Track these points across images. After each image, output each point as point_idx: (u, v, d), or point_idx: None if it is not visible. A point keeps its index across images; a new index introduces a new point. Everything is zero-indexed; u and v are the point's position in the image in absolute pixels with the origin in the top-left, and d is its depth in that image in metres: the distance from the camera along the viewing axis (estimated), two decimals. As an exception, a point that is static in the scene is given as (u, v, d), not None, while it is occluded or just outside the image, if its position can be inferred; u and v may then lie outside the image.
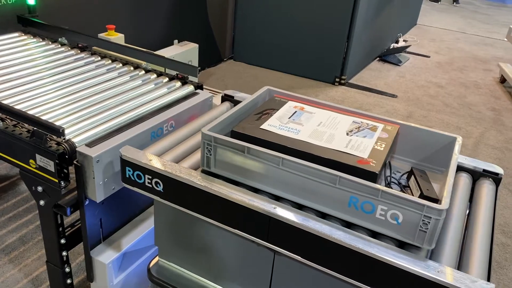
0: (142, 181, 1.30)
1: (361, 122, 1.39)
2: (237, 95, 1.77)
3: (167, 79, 1.90)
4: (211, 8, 4.21)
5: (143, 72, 1.96)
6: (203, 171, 1.28)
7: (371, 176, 1.12)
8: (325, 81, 4.36)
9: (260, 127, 1.31)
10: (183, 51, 2.99)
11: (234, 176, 1.24)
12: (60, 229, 1.53)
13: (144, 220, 1.74)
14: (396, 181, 1.32)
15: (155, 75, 1.93)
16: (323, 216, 1.15)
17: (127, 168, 1.31)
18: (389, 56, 5.15)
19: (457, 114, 3.90)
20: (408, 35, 6.28)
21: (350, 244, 1.02)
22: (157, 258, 1.52)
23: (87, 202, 1.45)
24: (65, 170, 1.38)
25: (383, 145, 1.26)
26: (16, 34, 2.24)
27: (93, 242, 1.57)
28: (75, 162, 1.36)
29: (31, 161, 1.41)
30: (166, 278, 1.46)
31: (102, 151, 1.35)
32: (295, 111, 1.43)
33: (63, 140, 1.37)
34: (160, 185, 1.27)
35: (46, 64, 1.93)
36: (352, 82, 4.39)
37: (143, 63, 1.99)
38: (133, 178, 1.32)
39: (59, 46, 2.15)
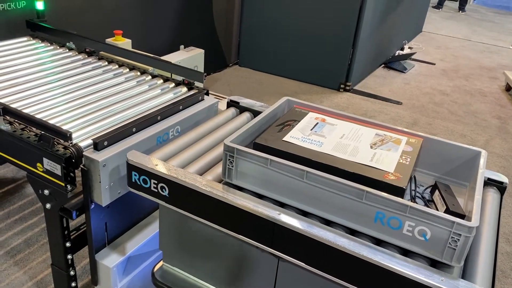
0: (148, 185, 1.31)
1: (384, 134, 1.37)
2: (243, 101, 1.77)
3: (173, 84, 1.92)
4: (217, 14, 4.23)
5: (149, 77, 1.98)
6: (225, 183, 1.27)
7: (398, 191, 1.10)
8: (330, 87, 4.37)
9: (283, 139, 1.29)
10: (189, 57, 3.01)
11: (257, 189, 1.22)
12: (66, 232, 1.54)
13: (148, 225, 1.74)
14: (419, 195, 1.29)
15: (161, 81, 1.95)
16: (351, 232, 1.12)
17: (133, 173, 1.32)
18: (394, 63, 5.16)
19: (462, 122, 3.89)
20: (414, 42, 6.28)
21: (354, 251, 1.01)
22: (161, 263, 1.52)
23: (92, 206, 1.46)
24: (72, 174, 1.39)
25: (408, 159, 1.24)
26: (25, 39, 2.26)
27: (98, 245, 1.58)
28: (81, 166, 1.38)
29: (38, 164, 1.43)
30: (170, 283, 1.46)
31: (109, 156, 1.36)
32: (317, 123, 1.42)
33: (70, 144, 1.38)
34: (165, 190, 1.27)
35: (54, 68, 1.95)
36: (357, 89, 4.39)
37: (150, 69, 2.01)
38: (139, 183, 1.32)
39: (67, 50, 2.18)
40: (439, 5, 8.97)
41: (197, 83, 1.91)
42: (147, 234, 1.70)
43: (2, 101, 1.58)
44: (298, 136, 1.32)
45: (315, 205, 1.15)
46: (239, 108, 1.77)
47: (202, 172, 1.37)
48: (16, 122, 1.51)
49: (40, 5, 2.37)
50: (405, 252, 1.07)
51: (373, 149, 1.28)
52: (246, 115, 1.73)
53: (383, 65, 5.18)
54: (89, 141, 1.42)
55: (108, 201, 1.42)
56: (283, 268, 1.23)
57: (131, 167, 1.32)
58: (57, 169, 1.37)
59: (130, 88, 1.84)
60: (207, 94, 1.83)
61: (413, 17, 6.15)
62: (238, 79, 4.38)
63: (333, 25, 4.15)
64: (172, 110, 1.63)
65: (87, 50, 2.16)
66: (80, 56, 2.12)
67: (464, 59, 5.75)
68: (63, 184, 1.39)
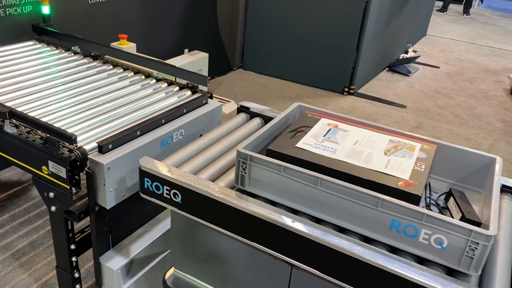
0: (160, 192, 1.30)
1: (398, 141, 1.36)
2: (253, 106, 1.76)
3: (177, 88, 1.93)
4: (222, 18, 4.25)
5: (154, 81, 1.99)
6: (238, 190, 1.26)
7: (414, 199, 1.09)
8: (334, 90, 4.37)
9: (296, 145, 1.29)
10: (194, 60, 3.02)
11: (270, 196, 1.22)
12: (70, 234, 1.55)
13: (153, 227, 1.75)
14: (434, 203, 1.28)
15: (165, 84, 1.96)
16: (366, 240, 1.11)
17: (146, 179, 1.30)
18: (398, 67, 5.15)
19: (467, 125, 3.88)
20: (418, 46, 6.28)
21: (370, 260, 1.00)
22: (172, 269, 1.50)
23: (97, 209, 1.47)
24: (77, 177, 1.40)
25: (423, 166, 1.22)
26: (30, 43, 2.29)
27: (102, 248, 1.58)
28: (86, 169, 1.39)
29: (43, 167, 1.44)
30: None
31: (113, 159, 1.37)
32: (329, 129, 1.40)
33: (75, 147, 1.39)
34: (178, 196, 1.26)
35: (59, 72, 1.97)
36: (361, 92, 4.39)
37: (154, 72, 2.02)
38: (151, 189, 1.31)
39: (72, 54, 2.20)
40: (444, 9, 8.96)
41: (201, 87, 1.92)
42: (151, 236, 1.71)
43: (8, 104, 1.59)
44: (311, 142, 1.31)
45: (329, 212, 1.14)
46: (250, 114, 1.76)
47: (214, 179, 1.36)
48: (22, 125, 1.53)
49: (46, 10, 2.39)
50: (420, 260, 1.05)
51: (387, 155, 1.26)
52: (256, 120, 1.72)
53: (387, 69, 5.17)
54: (94, 144, 1.43)
55: (112, 203, 1.43)
56: (296, 275, 1.22)
57: (143, 173, 1.30)
58: (62, 172, 1.38)
59: (134, 92, 1.85)
60: (211, 97, 1.84)
61: (418, 21, 6.15)
62: (242, 82, 4.39)
63: (337, 28, 4.16)
64: (176, 114, 1.64)
65: (92, 54, 2.17)
66: (85, 60, 2.14)
67: (469, 62, 5.74)
68: (68, 187, 1.40)
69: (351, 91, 4.32)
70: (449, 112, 4.13)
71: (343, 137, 1.36)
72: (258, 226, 1.16)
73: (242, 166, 1.22)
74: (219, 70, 4.46)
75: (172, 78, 2.03)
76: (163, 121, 1.59)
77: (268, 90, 4.25)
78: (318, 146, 1.29)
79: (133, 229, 1.71)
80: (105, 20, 2.97)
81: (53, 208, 1.50)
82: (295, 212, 1.19)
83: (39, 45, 2.28)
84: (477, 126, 3.87)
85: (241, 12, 4.53)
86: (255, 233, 1.18)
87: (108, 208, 1.43)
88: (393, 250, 1.09)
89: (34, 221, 2.18)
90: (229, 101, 3.81)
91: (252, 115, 1.76)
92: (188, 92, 1.89)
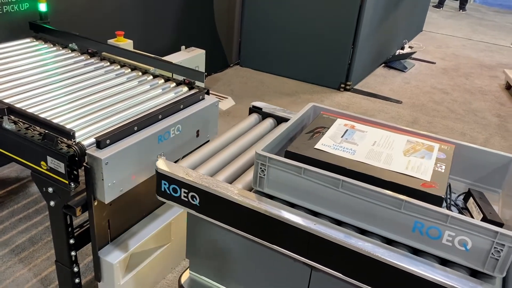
0: (178, 195, 1.30)
1: (416, 141, 1.35)
2: (266, 106, 1.76)
3: (174, 84, 1.95)
4: (218, 14, 4.26)
5: (151, 77, 2.01)
6: (256, 192, 1.26)
7: (437, 200, 1.08)
8: (330, 87, 4.39)
9: (314, 147, 1.28)
10: (190, 57, 3.04)
11: (289, 198, 1.21)
12: (69, 229, 1.57)
13: (151, 222, 1.77)
14: (453, 203, 1.28)
15: (162, 80, 1.98)
16: (388, 242, 1.10)
17: (163, 182, 1.31)
18: (394, 62, 5.17)
19: (462, 120, 3.91)
20: (414, 42, 6.30)
21: (394, 262, 1.00)
22: (188, 272, 1.51)
23: (95, 203, 1.49)
24: (75, 172, 1.42)
25: (443, 167, 1.22)
26: (28, 40, 2.30)
27: (101, 242, 1.61)
28: (84, 164, 1.41)
29: (42, 163, 1.46)
30: None
31: (111, 154, 1.39)
32: (346, 130, 1.40)
33: (74, 143, 1.41)
34: (196, 198, 1.27)
35: (57, 69, 1.99)
36: (357, 88, 4.42)
37: (151, 69, 2.04)
38: (168, 192, 1.31)
39: (70, 51, 2.21)
40: (440, 4, 8.98)
41: (198, 83, 1.94)
42: (149, 231, 1.73)
43: (6, 101, 1.61)
44: (329, 143, 1.30)
45: (350, 214, 1.13)
46: (262, 115, 1.76)
47: (231, 180, 1.35)
48: (21, 121, 1.54)
49: (43, 7, 2.40)
50: (443, 262, 1.05)
51: (406, 156, 1.25)
52: (269, 121, 1.72)
53: (383, 65, 5.20)
54: (92, 139, 1.45)
55: (110, 198, 1.45)
56: (316, 278, 1.21)
57: (160, 176, 1.30)
58: (61, 167, 1.40)
59: (131, 88, 1.87)
60: (208, 93, 1.86)
61: (414, 17, 6.16)
62: (239, 79, 4.41)
63: (333, 24, 4.17)
64: (173, 109, 1.66)
65: (90, 51, 2.19)
66: (82, 57, 2.15)
67: (465, 58, 5.77)
68: (67, 182, 1.42)
69: (348, 87, 4.34)
70: (444, 107, 4.16)
71: (361, 138, 1.35)
72: (279, 229, 1.15)
73: (260, 168, 1.21)
74: (216, 66, 4.48)
75: (169, 74, 2.04)
76: (160, 116, 1.61)
77: (265, 87, 4.27)
78: (337, 147, 1.28)
79: (131, 223, 1.73)
80: (102, 17, 2.98)
81: (52, 203, 1.52)
82: (314, 214, 1.18)
83: (37, 43, 2.29)
84: (472, 121, 3.90)
85: (238, 8, 4.54)
86: (276, 236, 1.17)
87: (106, 202, 1.45)
88: (415, 251, 1.08)
89: (33, 217, 2.20)
90: (227, 98, 3.82)
91: (264, 115, 1.76)
92: (185, 88, 1.91)
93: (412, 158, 1.25)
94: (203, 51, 3.16)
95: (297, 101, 4.01)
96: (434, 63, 5.45)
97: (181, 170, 1.29)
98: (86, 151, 1.40)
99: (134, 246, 1.66)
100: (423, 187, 1.11)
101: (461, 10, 8.95)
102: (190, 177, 1.26)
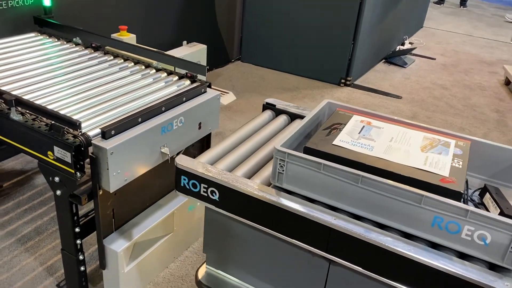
0: (197, 190, 1.32)
1: (433, 137, 1.37)
2: (279, 103, 1.78)
3: (176, 77, 1.98)
4: (220, 10, 4.29)
5: (153, 71, 2.04)
6: (274, 187, 1.27)
7: (456, 196, 1.09)
8: (331, 82, 4.42)
9: (333, 143, 1.29)
10: (192, 52, 3.07)
11: (307, 193, 1.23)
12: (75, 218, 1.61)
13: (155, 212, 1.82)
14: (469, 198, 1.30)
15: (165, 74, 2.01)
16: (406, 236, 1.12)
17: (183, 177, 1.33)
18: (394, 58, 5.20)
19: (461, 115, 3.95)
20: (414, 38, 6.32)
21: (414, 256, 1.01)
22: (204, 266, 1.53)
23: (101, 193, 1.53)
24: (81, 162, 1.46)
25: (461, 163, 1.23)
26: (32, 34, 2.33)
27: (106, 231, 1.65)
28: (90, 154, 1.45)
29: (49, 153, 1.50)
30: (214, 286, 1.47)
31: (116, 144, 1.43)
32: (363, 126, 1.42)
33: (80, 133, 1.45)
34: (216, 194, 1.29)
35: (61, 62, 2.02)
36: (357, 84, 4.45)
37: (154, 62, 2.07)
38: (188, 187, 1.34)
39: (74, 46, 2.25)
40: (441, 1, 8.99)
41: (200, 76, 1.98)
42: (153, 220, 1.77)
43: (13, 93, 1.64)
44: (347, 140, 1.31)
45: (369, 209, 1.14)
46: (275, 111, 1.79)
47: (249, 176, 1.38)
48: (28, 112, 1.58)
49: (47, 2, 2.44)
50: (461, 256, 1.06)
51: (424, 152, 1.27)
52: (283, 117, 1.75)
53: (383, 60, 5.23)
54: (97, 130, 1.49)
55: (115, 187, 1.49)
56: (334, 271, 1.23)
57: (180, 172, 1.32)
58: (67, 156, 1.44)
59: (135, 81, 1.91)
60: (210, 86, 1.90)
61: (414, 13, 6.19)
62: (240, 74, 4.44)
63: (334, 20, 4.20)
64: (176, 102, 1.70)
65: (93, 45, 2.22)
66: (86, 51, 2.19)
67: (465, 54, 5.79)
68: (73, 171, 1.46)
69: (348, 83, 4.37)
70: (444, 102, 4.19)
71: (378, 134, 1.36)
72: (298, 223, 1.17)
73: (279, 164, 1.22)
74: (217, 62, 4.51)
75: (171, 68, 2.08)
76: (163, 108, 1.64)
77: (266, 82, 4.30)
78: (355, 144, 1.29)
79: (135, 213, 1.78)
80: (106, 11, 3.01)
81: (58, 192, 1.56)
82: (332, 209, 1.20)
83: (41, 37, 2.32)
84: (471, 116, 3.93)
85: (239, 4, 4.57)
86: (295, 231, 1.19)
87: (111, 191, 1.49)
88: (434, 246, 1.10)
89: (38, 208, 2.24)
90: (228, 93, 3.86)
91: (278, 112, 1.79)
92: (187, 82, 1.95)
93: (430, 154, 1.26)
94: (205, 46, 3.19)
95: (297, 96, 4.05)
96: (434, 59, 5.48)
97: (201, 166, 1.31)
98: (92, 141, 1.44)
99: (137, 235, 1.70)
100: (442, 183, 1.13)
101: (462, 7, 8.96)
102: (209, 172, 1.29)
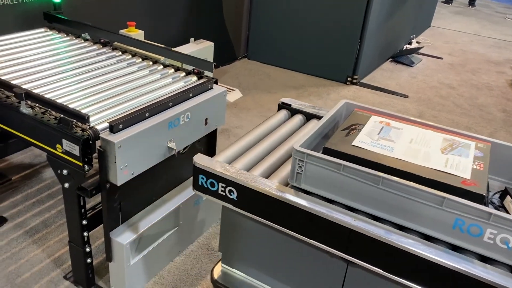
0: (215, 189, 1.33)
1: (452, 139, 1.36)
2: (295, 103, 1.77)
3: (184, 73, 2.00)
4: (227, 7, 4.31)
5: (161, 66, 2.06)
6: (292, 187, 1.27)
7: (478, 198, 1.08)
8: (337, 80, 4.43)
9: (352, 143, 1.28)
10: (199, 49, 3.09)
11: (326, 194, 1.22)
12: (83, 210, 1.63)
13: (161, 205, 1.84)
14: (489, 201, 1.28)
15: (172, 70, 2.03)
16: (426, 238, 1.11)
17: (201, 176, 1.34)
18: (401, 57, 5.19)
19: (468, 115, 3.94)
20: (422, 37, 6.30)
21: (436, 259, 1.01)
22: (220, 264, 1.54)
23: (108, 186, 1.55)
24: (89, 155, 1.48)
25: (482, 165, 1.22)
26: (42, 30, 2.36)
27: (112, 224, 1.67)
28: (98, 147, 1.47)
29: (57, 146, 1.52)
30: (230, 284, 1.49)
31: (124, 138, 1.45)
32: (382, 127, 1.41)
33: (88, 127, 1.47)
34: (234, 193, 1.29)
35: (70, 58, 2.05)
36: (364, 82, 4.45)
37: (162, 59, 2.09)
38: (205, 186, 1.35)
39: (82, 41, 2.27)
40: (449, 0, 8.94)
41: (206, 73, 2.00)
42: (159, 214, 1.79)
43: (23, 87, 1.67)
44: (366, 140, 1.31)
45: (388, 211, 1.14)
46: (291, 111, 1.78)
47: (266, 175, 1.38)
48: (37, 106, 1.61)
49: (56, -2, 2.46)
50: (483, 259, 1.05)
51: (444, 154, 1.26)
52: (298, 117, 1.75)
53: (390, 59, 5.22)
54: (105, 124, 1.51)
55: (122, 181, 1.52)
56: (352, 272, 1.23)
57: (198, 170, 1.33)
58: (76, 150, 1.47)
59: (143, 77, 1.93)
60: (216, 83, 1.91)
61: (422, 12, 6.16)
62: (247, 71, 4.45)
63: (341, 18, 4.20)
64: (183, 97, 1.72)
65: (102, 40, 2.25)
66: (95, 47, 2.21)
67: (472, 54, 5.76)
68: (81, 164, 1.48)
69: (354, 81, 4.37)
70: (450, 102, 4.18)
71: (397, 135, 1.35)
72: (317, 224, 1.17)
73: (298, 164, 1.22)
74: (224, 59, 4.52)
75: (178, 64, 2.10)
76: (170, 104, 1.66)
77: (272, 80, 4.31)
78: (374, 144, 1.29)
79: (142, 206, 1.80)
80: (114, 7, 3.04)
81: (66, 185, 1.59)
82: (351, 209, 1.19)
83: (50, 32, 2.35)
84: (478, 116, 3.92)
85: (247, 2, 4.58)
86: (314, 231, 1.18)
87: (118, 185, 1.51)
88: (454, 248, 1.09)
89: (46, 201, 2.27)
90: (234, 90, 3.88)
91: (293, 111, 1.78)
92: (194, 78, 1.97)
93: (450, 156, 1.26)
94: (212, 44, 3.21)
95: (303, 94, 4.05)
96: (442, 58, 5.46)
97: (219, 165, 1.32)
98: (100, 135, 1.46)
99: (144, 228, 1.72)
100: (464, 185, 1.12)
101: (470, 6, 8.90)
102: (227, 172, 1.29)
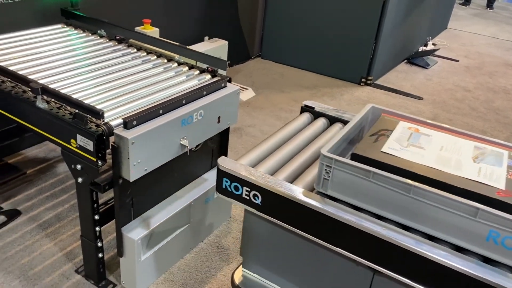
0: (239, 192, 1.31)
1: (484, 147, 1.32)
2: (318, 106, 1.75)
3: (197, 71, 2.01)
4: (242, 7, 4.31)
5: (175, 64, 2.07)
6: (318, 193, 1.24)
7: None
8: (351, 81, 4.40)
9: (381, 150, 1.25)
10: (213, 48, 3.09)
11: (353, 201, 1.19)
12: (95, 205, 1.65)
13: (172, 202, 1.85)
14: None
15: (187, 68, 2.04)
16: (457, 249, 1.08)
17: (224, 179, 1.32)
18: (417, 59, 5.14)
19: (484, 118, 3.88)
20: (438, 39, 6.23)
21: (469, 272, 0.98)
22: (240, 269, 1.52)
23: (121, 182, 1.56)
24: (103, 150, 1.49)
25: None
26: (59, 26, 2.39)
27: (124, 219, 1.69)
28: (112, 143, 1.48)
29: (72, 140, 1.54)
30: None
31: (137, 134, 1.46)
32: (411, 133, 1.37)
33: (102, 123, 1.49)
34: (258, 197, 1.27)
35: (86, 54, 2.07)
36: (378, 83, 4.41)
37: (176, 56, 2.10)
38: (229, 189, 1.33)
39: (98, 38, 2.29)
40: (467, 2, 8.82)
41: (220, 71, 2.00)
42: (171, 211, 1.80)
43: (39, 82, 1.69)
44: (396, 147, 1.27)
45: (419, 220, 1.11)
46: (314, 114, 1.76)
47: (290, 180, 1.36)
48: (53, 101, 1.63)
49: (74, -6, 2.49)
50: None
51: (476, 163, 1.22)
52: (322, 120, 1.72)
53: (405, 61, 5.17)
54: (119, 120, 1.52)
55: (135, 177, 1.52)
56: (378, 281, 1.20)
57: (222, 173, 1.31)
58: (90, 145, 1.48)
59: (157, 74, 1.94)
60: (230, 81, 1.91)
61: (438, 14, 6.09)
62: (260, 71, 4.45)
63: (356, 19, 4.17)
64: (196, 95, 1.72)
65: (117, 37, 2.26)
66: (110, 43, 2.23)
67: (489, 57, 5.68)
68: (95, 160, 1.49)
69: (369, 82, 4.34)
70: (466, 105, 4.13)
71: (427, 142, 1.32)
72: (345, 232, 1.14)
73: (325, 169, 1.19)
74: (238, 58, 4.53)
75: (192, 62, 2.11)
76: (184, 101, 1.67)
77: (285, 79, 4.31)
78: (404, 151, 1.25)
79: (154, 202, 1.81)
80: (130, 5, 3.06)
81: (80, 180, 1.60)
82: (379, 218, 1.17)
83: (67, 28, 2.38)
84: (493, 120, 3.87)
85: (261, 1, 4.58)
86: (341, 239, 1.16)
87: (131, 181, 1.52)
88: (486, 261, 1.06)
89: (60, 196, 2.30)
90: (247, 89, 3.88)
91: (316, 115, 1.76)
92: (208, 76, 1.97)
93: (482, 165, 1.21)
94: (226, 42, 3.21)
95: (317, 94, 4.04)
96: (458, 61, 5.39)
97: (243, 169, 1.30)
98: (114, 131, 1.47)
99: (155, 224, 1.73)
100: (499, 196, 1.08)
101: (488, 8, 8.78)
102: (252, 175, 1.27)
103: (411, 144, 1.30)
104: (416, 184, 1.09)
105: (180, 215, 1.85)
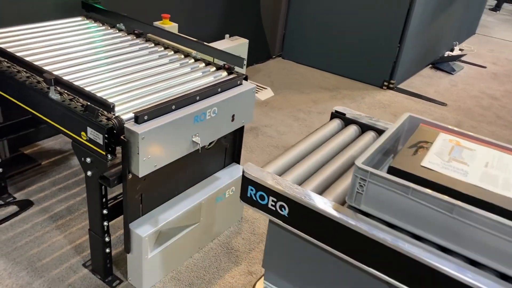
0: (265, 202, 1.25)
1: None
2: (350, 112, 1.67)
3: (214, 68, 1.97)
4: (265, 5, 4.27)
5: (192, 60, 2.04)
6: (349, 207, 1.17)
7: None
8: (373, 84, 4.31)
9: (421, 164, 1.16)
10: (234, 46, 3.06)
11: (388, 218, 1.11)
12: (104, 199, 1.63)
13: (182, 200, 1.81)
14: None
15: (203, 64, 2.01)
16: (503, 277, 1.00)
17: (250, 187, 1.26)
18: (442, 64, 5.00)
19: (510, 127, 3.74)
20: (465, 44, 6.06)
21: None
22: (262, 281, 1.47)
23: (130, 177, 1.54)
24: (113, 144, 1.47)
25: None
26: (79, 18, 2.39)
27: (132, 215, 1.66)
28: (122, 137, 1.45)
29: (82, 133, 1.52)
30: None
31: (148, 129, 1.43)
32: (453, 146, 1.27)
33: (113, 116, 1.46)
34: (285, 209, 1.21)
35: (104, 47, 2.06)
36: (401, 87, 4.31)
37: (193, 52, 2.07)
38: (255, 198, 1.27)
39: (117, 31, 2.28)
40: (497, 8, 8.58)
41: (238, 69, 1.96)
42: (180, 209, 1.77)
43: (54, 73, 1.68)
44: (436, 161, 1.18)
45: (460, 243, 1.03)
46: (345, 120, 1.67)
47: (319, 191, 1.30)
48: (66, 93, 1.61)
49: (95, -13, 2.48)
50: None
51: None
52: (353, 128, 1.64)
53: (430, 65, 5.04)
54: (131, 114, 1.50)
55: (145, 172, 1.50)
56: None
57: (247, 181, 1.25)
58: (99, 138, 1.46)
59: (173, 69, 1.91)
60: (246, 79, 1.87)
61: (466, 18, 5.93)
62: (280, 71, 4.40)
63: (380, 21, 4.08)
64: (210, 92, 1.68)
65: (136, 31, 2.25)
66: (128, 37, 2.22)
67: (519, 64, 5.50)
68: (104, 153, 1.47)
69: (391, 86, 4.24)
70: (492, 113, 3.99)
71: (471, 157, 1.22)
72: (378, 251, 1.08)
73: (359, 183, 1.11)
74: (258, 57, 4.49)
75: (210, 59, 2.07)
76: (197, 98, 1.64)
77: (305, 80, 4.24)
78: (446, 167, 1.16)
79: (163, 200, 1.78)
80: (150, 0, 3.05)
81: (89, 173, 1.59)
82: (416, 237, 1.09)
83: (87, 21, 2.38)
84: (521, 129, 3.73)
85: (284, 1, 4.53)
86: (373, 258, 1.09)
87: (140, 176, 1.49)
88: None
89: (72, 188, 2.29)
90: (266, 88, 3.83)
91: (347, 121, 1.67)
92: (224, 73, 1.93)
93: None
94: (247, 41, 3.17)
95: (337, 96, 3.96)
96: (485, 67, 5.23)
97: (270, 177, 1.24)
98: (124, 125, 1.45)
99: (164, 222, 1.70)
100: None
101: (519, 15, 8.52)
102: (279, 185, 1.21)
103: (453, 159, 1.21)
104: (460, 203, 1.01)
105: (189, 213, 1.82)
